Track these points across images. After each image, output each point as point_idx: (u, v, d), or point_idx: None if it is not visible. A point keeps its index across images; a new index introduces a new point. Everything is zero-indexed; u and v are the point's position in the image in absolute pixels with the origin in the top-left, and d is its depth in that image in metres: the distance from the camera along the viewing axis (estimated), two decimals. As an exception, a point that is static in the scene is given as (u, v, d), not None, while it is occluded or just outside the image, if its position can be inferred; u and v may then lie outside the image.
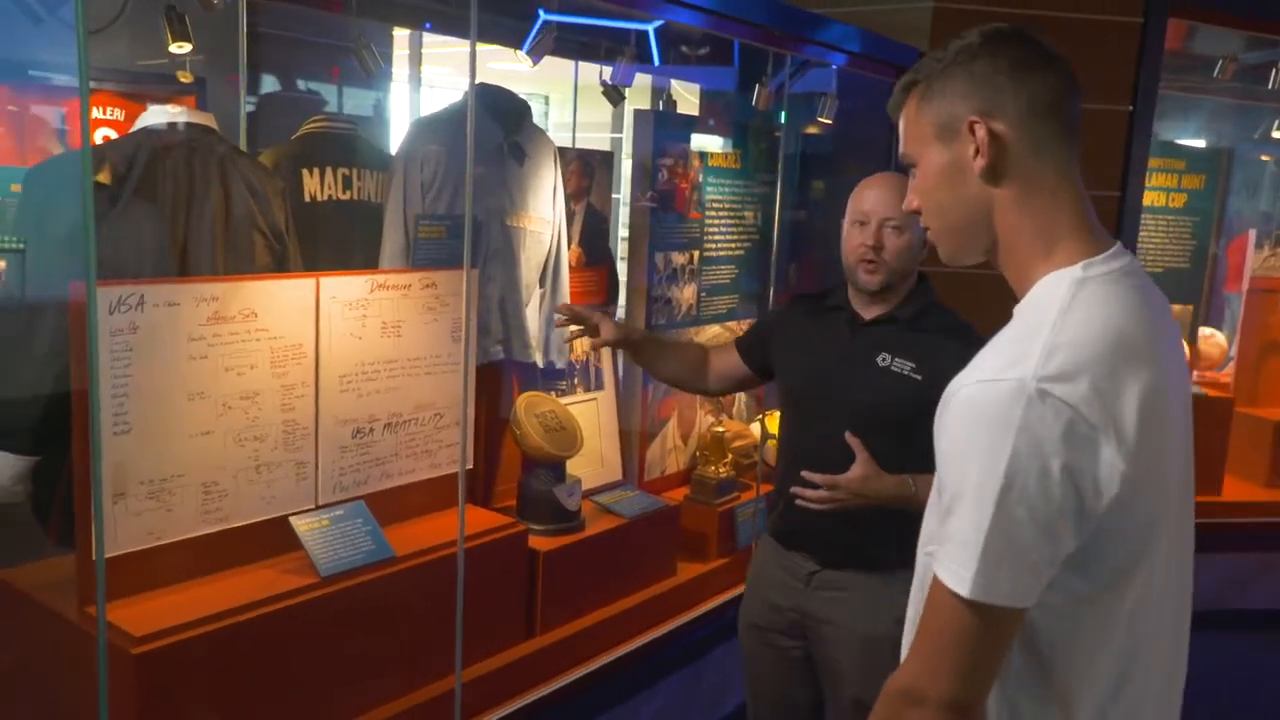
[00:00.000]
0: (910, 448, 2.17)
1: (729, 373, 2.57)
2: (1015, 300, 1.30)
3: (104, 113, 3.43)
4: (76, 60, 1.52)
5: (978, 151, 1.24)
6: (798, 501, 2.14)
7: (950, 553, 1.16)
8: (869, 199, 2.27)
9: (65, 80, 3.52)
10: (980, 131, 1.23)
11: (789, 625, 2.43)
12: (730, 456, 3.57)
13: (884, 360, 2.26)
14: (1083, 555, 1.16)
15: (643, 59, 3.71)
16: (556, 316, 2.66)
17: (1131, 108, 3.90)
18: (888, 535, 2.23)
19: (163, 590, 2.13)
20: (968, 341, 2.14)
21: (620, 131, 7.94)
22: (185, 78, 3.08)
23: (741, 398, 4.00)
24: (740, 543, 3.55)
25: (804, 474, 2.10)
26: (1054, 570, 1.15)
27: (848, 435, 2.10)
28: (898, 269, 2.26)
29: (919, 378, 2.21)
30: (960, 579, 1.14)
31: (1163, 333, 1.24)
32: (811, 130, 4.20)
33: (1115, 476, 1.12)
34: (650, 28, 4.48)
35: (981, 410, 1.15)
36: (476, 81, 2.35)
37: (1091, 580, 1.18)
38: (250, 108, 3.49)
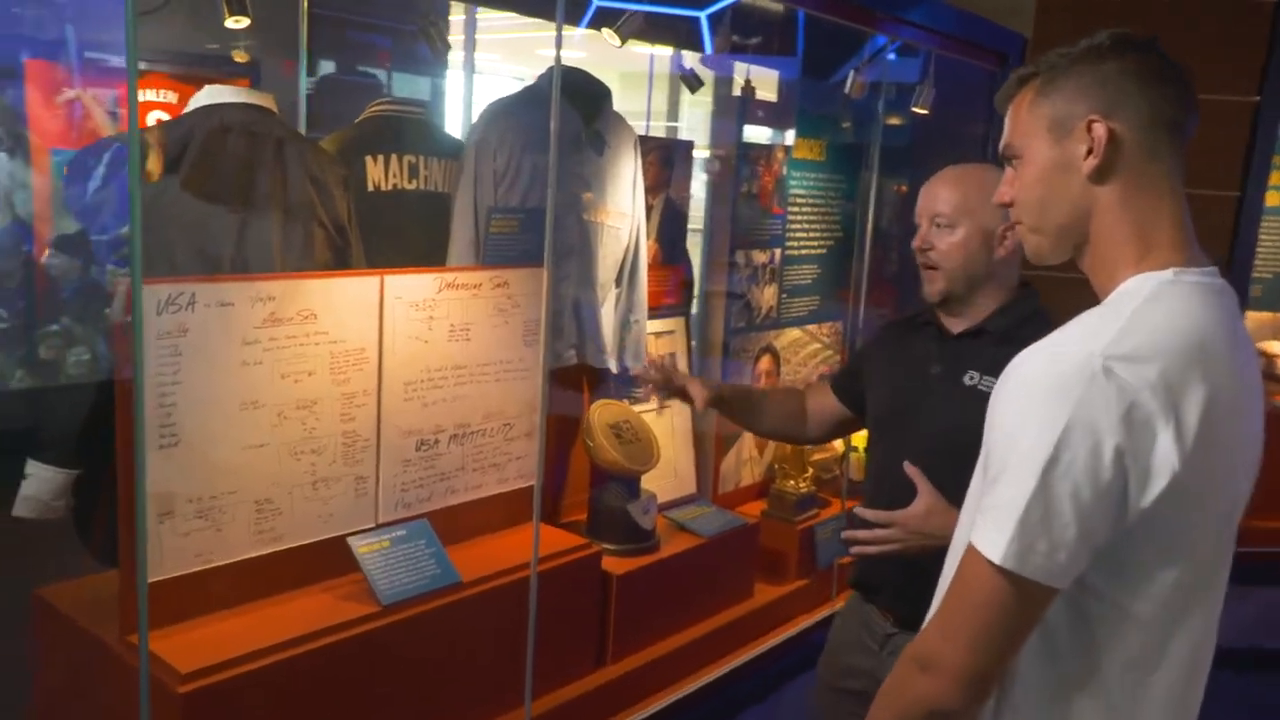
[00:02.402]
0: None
1: (827, 415, 2.33)
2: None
3: (157, 95, 3.26)
4: (125, 42, 1.33)
5: (1090, 151, 1.24)
6: (852, 549, 1.91)
7: (989, 519, 1.15)
8: (921, 196, 2.05)
9: (120, 61, 3.36)
10: (1099, 130, 1.23)
11: (865, 688, 2.18)
12: (810, 470, 3.33)
13: (971, 379, 2.00)
14: (1111, 551, 1.15)
15: (696, 45, 3.48)
16: (636, 367, 2.45)
17: (1259, 98, 3.56)
18: None
19: (211, 617, 1.94)
20: None
21: (676, 120, 7.70)
22: (241, 57, 2.89)
23: (819, 406, 3.75)
24: (820, 563, 3.31)
25: (857, 510, 1.87)
26: (1087, 557, 1.14)
27: (906, 466, 1.85)
28: (955, 271, 2.00)
29: None
30: (995, 544, 1.13)
31: (1243, 351, 1.24)
32: (897, 121, 3.94)
33: (1166, 471, 1.11)
34: (703, 14, 4.25)
35: (1041, 379, 1.15)
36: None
37: (1115, 580, 1.17)
38: (307, 91, 3.29)
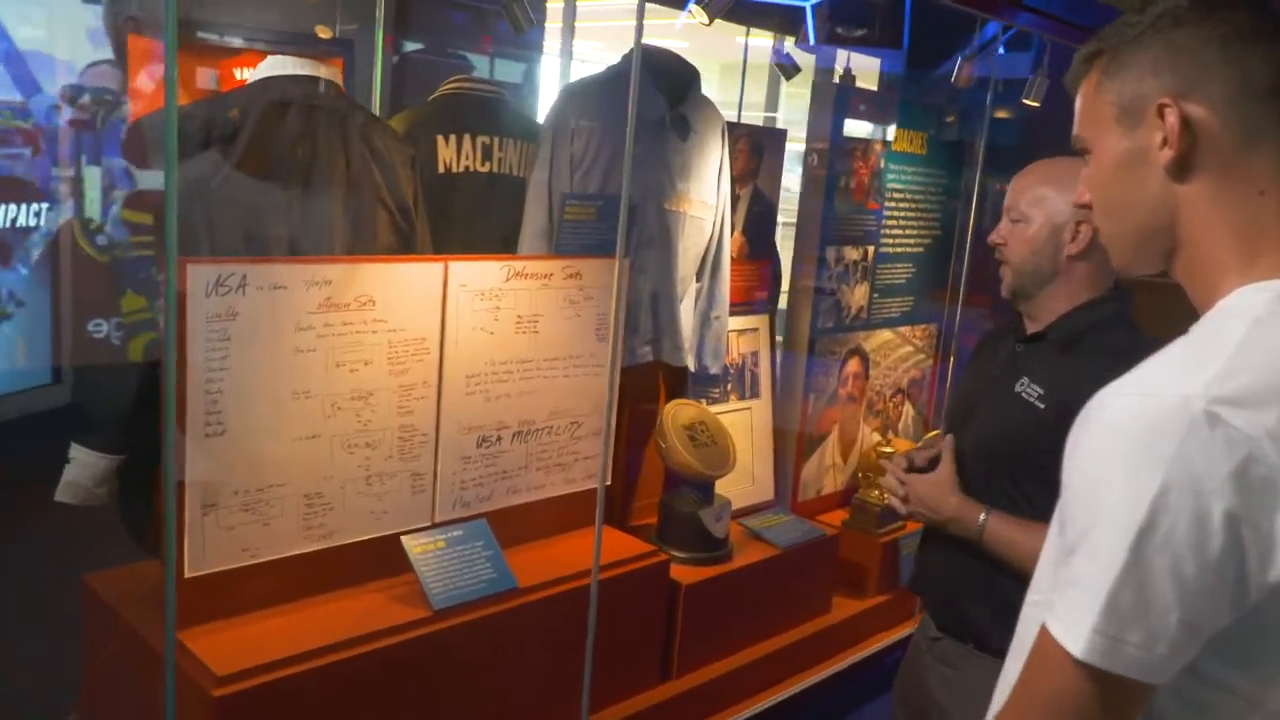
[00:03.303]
0: (1023, 492, 1.80)
1: None
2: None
3: (244, 74, 3.22)
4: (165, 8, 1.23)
5: (1165, 141, 1.02)
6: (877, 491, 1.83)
7: (1068, 600, 0.94)
8: (1007, 191, 1.90)
9: (222, 40, 3.33)
10: (1171, 117, 1.01)
11: (923, 701, 2.04)
12: (898, 480, 3.14)
13: (1021, 384, 1.85)
14: (1234, 635, 0.92)
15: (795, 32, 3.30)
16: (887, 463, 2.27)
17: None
18: (1005, 609, 1.81)
19: (253, 615, 1.85)
20: (1124, 366, 1.75)
21: (775, 110, 7.50)
22: (324, 33, 2.81)
23: (909, 412, 3.56)
24: (903, 578, 3.13)
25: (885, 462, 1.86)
26: (1195, 646, 0.92)
27: (944, 439, 1.82)
28: (1021, 268, 1.84)
29: (1041, 407, 1.79)
30: (1075, 634, 0.92)
31: None
32: (1005, 115, 3.70)
33: None
34: (809, 3, 4.06)
35: (1129, 429, 0.92)
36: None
37: (1240, 670, 0.95)
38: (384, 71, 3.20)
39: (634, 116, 1.73)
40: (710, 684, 2.51)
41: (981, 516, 1.72)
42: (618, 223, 2.24)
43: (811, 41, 3.88)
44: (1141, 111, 1.04)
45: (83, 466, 1.76)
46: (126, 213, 2.49)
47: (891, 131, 3.17)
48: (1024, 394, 1.82)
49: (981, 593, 1.83)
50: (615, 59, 2.49)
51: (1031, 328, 1.89)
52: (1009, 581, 1.69)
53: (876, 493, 3.11)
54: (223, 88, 3.24)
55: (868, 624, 3.03)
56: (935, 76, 3.40)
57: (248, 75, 3.20)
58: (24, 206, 2.71)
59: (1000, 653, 1.86)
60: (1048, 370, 1.82)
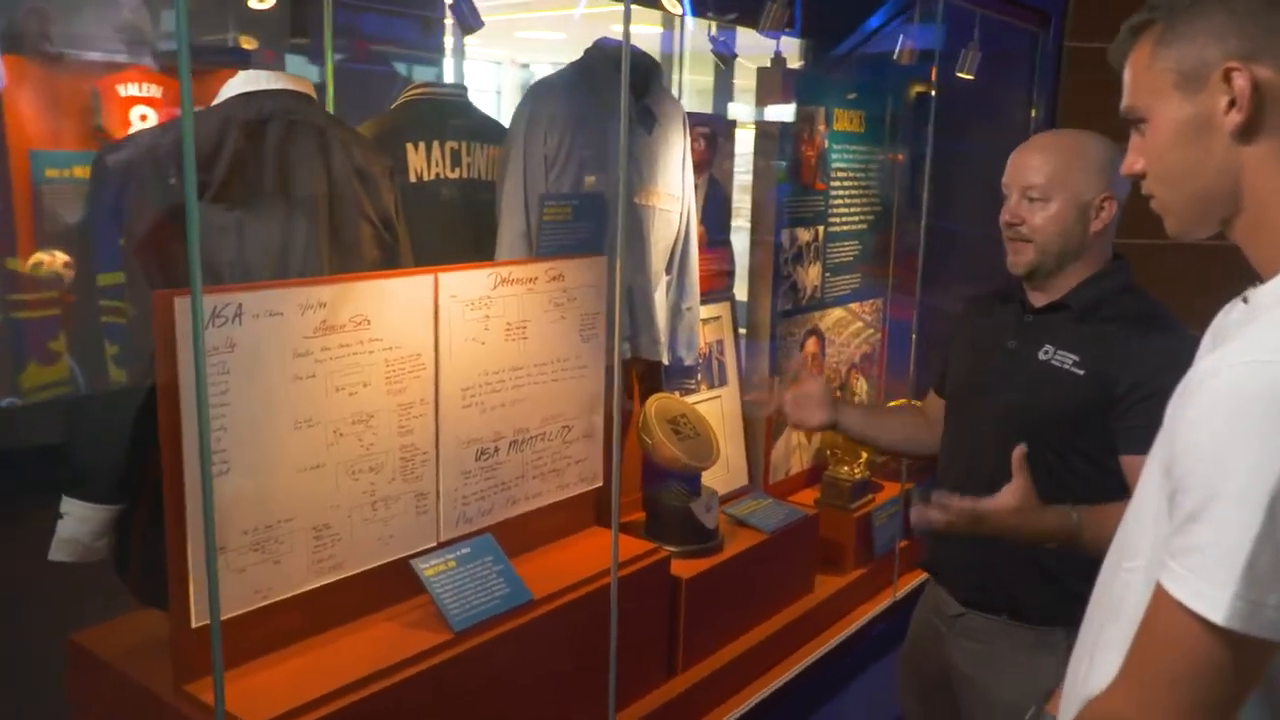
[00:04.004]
0: (1065, 461, 1.83)
1: (942, 418, 2.18)
2: (1228, 278, 1.14)
3: (140, 89, 3.05)
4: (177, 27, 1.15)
5: (1233, 104, 1.04)
6: (913, 525, 1.76)
7: (1196, 567, 0.95)
8: (1011, 165, 1.92)
9: (99, 55, 3.15)
10: (1240, 80, 1.03)
11: (940, 677, 2.07)
12: (865, 455, 3.18)
13: (1046, 353, 1.89)
14: None
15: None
16: (748, 396, 2.34)
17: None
18: (1042, 577, 1.86)
19: (273, 657, 1.77)
20: (1154, 330, 1.81)
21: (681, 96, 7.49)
22: (248, 43, 2.69)
23: (863, 386, 3.60)
24: (878, 550, 3.18)
25: (935, 496, 1.69)
26: None
27: (1016, 454, 1.65)
28: (1049, 247, 1.87)
29: (1080, 373, 1.83)
30: (1212, 601, 0.93)
31: None
32: (923, 89, 3.76)
33: None
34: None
35: (1256, 395, 0.93)
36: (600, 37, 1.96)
37: None
38: (317, 81, 3.09)
39: (626, 108, 1.69)
40: (714, 675, 2.50)
41: (1075, 517, 1.66)
42: (596, 221, 2.21)
43: (687, 13, 3.87)
44: (1204, 77, 1.06)
45: (79, 521, 1.65)
46: (16, 263, 2.31)
47: (831, 111, 3.19)
48: (1055, 362, 1.85)
49: (1014, 564, 1.85)
50: (496, 54, 2.44)
51: (1043, 299, 1.92)
52: (1043, 551, 1.72)
53: (846, 469, 3.14)
54: (105, 106, 3.08)
55: (849, 599, 3.06)
56: (875, 54, 3.44)
57: (131, 92, 3.05)
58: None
59: (1037, 620, 1.90)
60: (1075, 338, 1.85)
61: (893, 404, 3.33)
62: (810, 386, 2.19)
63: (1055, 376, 1.85)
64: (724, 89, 4.42)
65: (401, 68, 4.00)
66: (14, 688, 1.86)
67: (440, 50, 4.42)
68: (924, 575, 3.23)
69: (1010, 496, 1.64)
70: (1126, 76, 1.17)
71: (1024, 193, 1.87)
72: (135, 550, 1.82)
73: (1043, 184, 1.85)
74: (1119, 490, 1.66)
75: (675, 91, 6.49)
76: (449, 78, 5.36)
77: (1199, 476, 0.96)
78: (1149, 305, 1.87)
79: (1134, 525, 1.15)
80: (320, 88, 2.55)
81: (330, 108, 2.26)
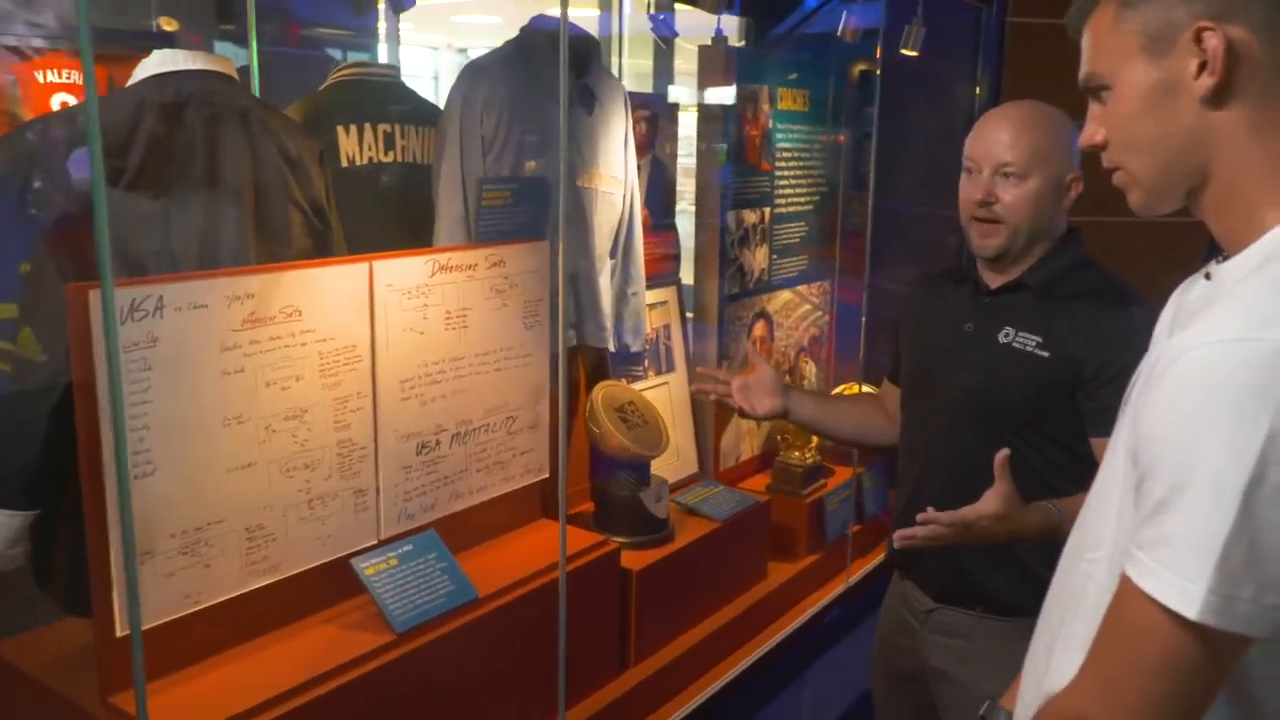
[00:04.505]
0: (1032, 446, 1.78)
1: (897, 404, 2.14)
2: (1189, 254, 1.13)
3: (60, 75, 2.92)
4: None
5: (1203, 67, 0.99)
6: (896, 542, 1.70)
7: (1166, 559, 0.90)
8: (979, 141, 1.83)
9: (13, 40, 3.01)
10: (1213, 41, 0.98)
11: (913, 674, 2.04)
12: (815, 440, 3.14)
13: (1006, 335, 1.84)
14: None
15: None
16: (694, 386, 2.24)
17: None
18: (1016, 568, 1.83)
19: (203, 665, 1.69)
20: (1118, 306, 1.77)
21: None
22: (169, 25, 2.58)
23: (811, 370, 3.57)
24: (830, 536, 3.15)
25: (920, 517, 1.63)
26: None
27: (999, 459, 1.58)
28: (1021, 227, 1.81)
29: (1045, 354, 1.79)
30: (1185, 594, 0.89)
31: None
32: (867, 67, 3.73)
33: None
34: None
35: (1226, 377, 0.88)
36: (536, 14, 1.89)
37: None
38: (242, 64, 2.99)
39: (567, 87, 1.62)
40: (667, 668, 2.45)
41: (1057, 513, 1.62)
42: (537, 205, 2.14)
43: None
44: (1172, 39, 1.00)
45: (-5, 529, 1.55)
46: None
47: (775, 90, 3.14)
48: (1017, 344, 1.80)
49: (986, 557, 1.81)
50: (431, 39, 2.37)
51: (997, 280, 1.88)
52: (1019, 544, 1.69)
53: (797, 454, 3.10)
54: (23, 93, 2.96)
55: (802, 586, 3.03)
56: (815, 32, 3.40)
57: (50, 78, 2.92)
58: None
59: (1012, 612, 1.86)
60: (1035, 318, 1.81)
61: (843, 390, 3.30)
62: (760, 372, 2.14)
63: (1018, 359, 1.81)
64: (664, 70, 4.37)
65: (335, 53, 3.89)
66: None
67: (374, 34, 4.31)
68: (876, 559, 3.24)
69: (994, 503, 1.59)
70: (1086, 41, 1.11)
71: (998, 169, 1.79)
72: (60, 556, 1.73)
73: (1020, 160, 1.77)
74: (1090, 474, 1.63)
75: (615, 74, 6.43)
76: (385, 61, 5.24)
77: (1168, 463, 0.91)
78: (1109, 280, 1.84)
79: (1096, 513, 1.10)
80: (246, 71, 2.45)
81: (256, 92, 2.17)
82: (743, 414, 2.15)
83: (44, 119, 1.77)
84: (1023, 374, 1.80)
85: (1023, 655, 1.82)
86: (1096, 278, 1.83)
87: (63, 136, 1.65)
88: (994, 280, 1.89)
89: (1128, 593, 0.94)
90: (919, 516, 1.62)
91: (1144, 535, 0.93)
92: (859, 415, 2.21)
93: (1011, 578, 1.84)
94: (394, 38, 5.41)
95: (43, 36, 2.99)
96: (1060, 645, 1.12)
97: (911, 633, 2.02)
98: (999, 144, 1.79)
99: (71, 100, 2.73)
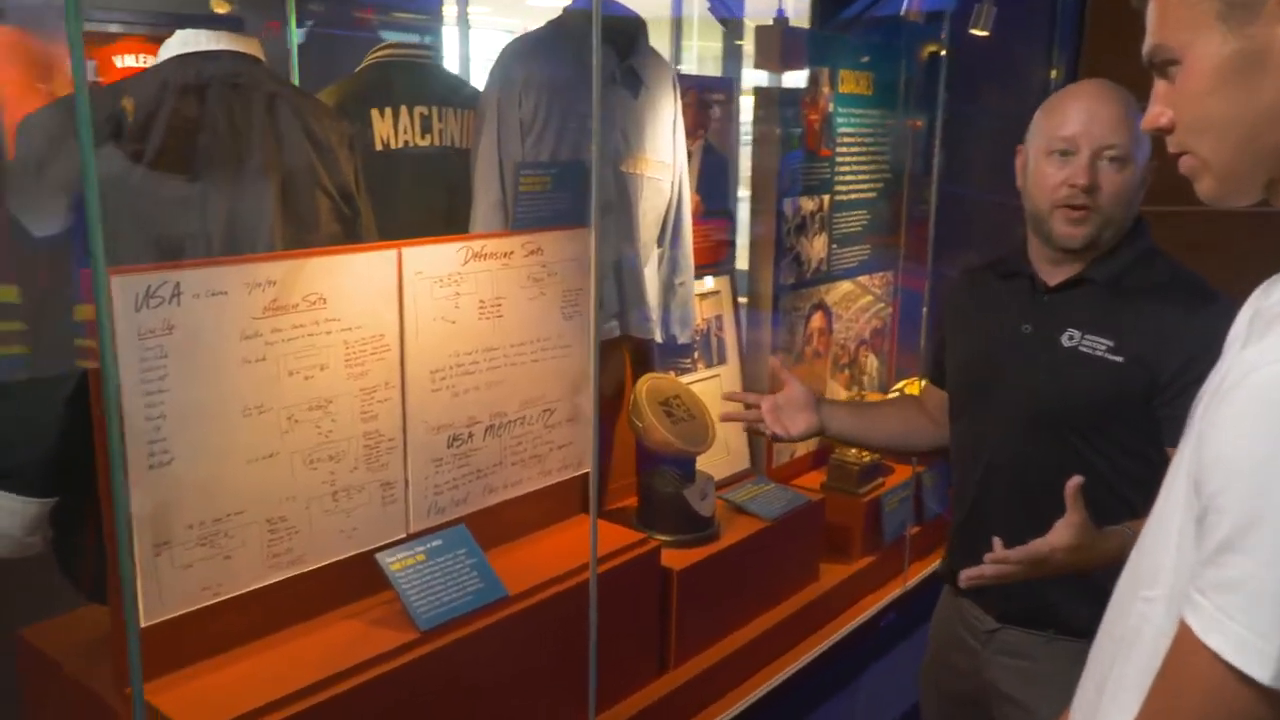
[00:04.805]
0: (1106, 458, 1.64)
1: (941, 406, 2.01)
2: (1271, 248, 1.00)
3: (136, 59, 2.94)
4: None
5: None
6: (962, 582, 1.56)
7: (1233, 609, 0.78)
8: (1077, 118, 1.64)
9: (92, 26, 3.04)
10: None
11: (973, 696, 1.92)
12: (873, 435, 3.03)
13: (1071, 339, 1.69)
14: None
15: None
16: (723, 414, 2.11)
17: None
18: (1087, 587, 1.69)
19: (221, 659, 1.66)
20: (1196, 301, 1.62)
21: (678, 64, 7.32)
22: (221, 7, 2.57)
23: (873, 363, 3.46)
24: (887, 537, 3.04)
25: (989, 557, 1.50)
26: None
27: (1071, 489, 1.45)
28: (1114, 217, 1.66)
29: (1118, 359, 1.64)
30: (1254, 653, 0.77)
31: None
32: (935, 48, 3.59)
33: None
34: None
35: None
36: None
37: None
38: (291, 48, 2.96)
39: (599, 68, 1.54)
40: (710, 670, 2.38)
41: (1130, 534, 1.50)
42: (577, 191, 2.07)
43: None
44: (1256, 6, 0.89)
45: (9, 515, 1.53)
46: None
47: (837, 73, 3.03)
48: (1084, 348, 1.66)
49: (1060, 576, 1.68)
50: (508, 23, 2.29)
51: (1059, 275, 1.74)
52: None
53: (854, 451, 2.99)
54: (103, 79, 2.97)
55: (857, 588, 2.92)
56: (879, 13, 3.27)
57: (129, 63, 2.94)
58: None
59: (1085, 633, 1.73)
60: (1104, 318, 1.65)
61: (903, 386, 3.18)
62: (790, 390, 2.00)
63: (1086, 365, 1.66)
64: (734, 53, 4.28)
65: (401, 35, 3.86)
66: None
67: (437, 17, 4.29)
68: (936, 562, 3.12)
69: (1067, 534, 1.46)
70: (1152, 11, 0.99)
71: (1100, 153, 1.62)
72: (86, 544, 1.72)
73: (1125, 143, 1.61)
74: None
75: (685, 56, 6.35)
76: (455, 47, 5.21)
77: (1235, 495, 0.79)
78: (1180, 272, 1.69)
79: (1153, 545, 0.98)
80: (298, 51, 2.42)
81: (295, 75, 2.13)
82: (776, 438, 2.01)
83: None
84: (1092, 381, 1.66)
85: None
86: (1166, 269, 1.69)
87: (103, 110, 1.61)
88: (1053, 275, 1.75)
89: (1188, 643, 0.82)
90: (987, 557, 1.50)
91: (1207, 577, 0.81)
92: (900, 421, 2.09)
93: (1082, 597, 1.71)
94: (463, 20, 5.39)
95: (120, 21, 3.01)
96: (1111, 688, 1.01)
97: (972, 653, 1.90)
98: (1105, 124, 1.62)
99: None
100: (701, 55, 6.14)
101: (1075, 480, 1.44)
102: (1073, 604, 1.71)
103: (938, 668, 2.02)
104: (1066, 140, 1.64)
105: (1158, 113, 0.99)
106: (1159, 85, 1.00)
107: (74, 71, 1.04)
